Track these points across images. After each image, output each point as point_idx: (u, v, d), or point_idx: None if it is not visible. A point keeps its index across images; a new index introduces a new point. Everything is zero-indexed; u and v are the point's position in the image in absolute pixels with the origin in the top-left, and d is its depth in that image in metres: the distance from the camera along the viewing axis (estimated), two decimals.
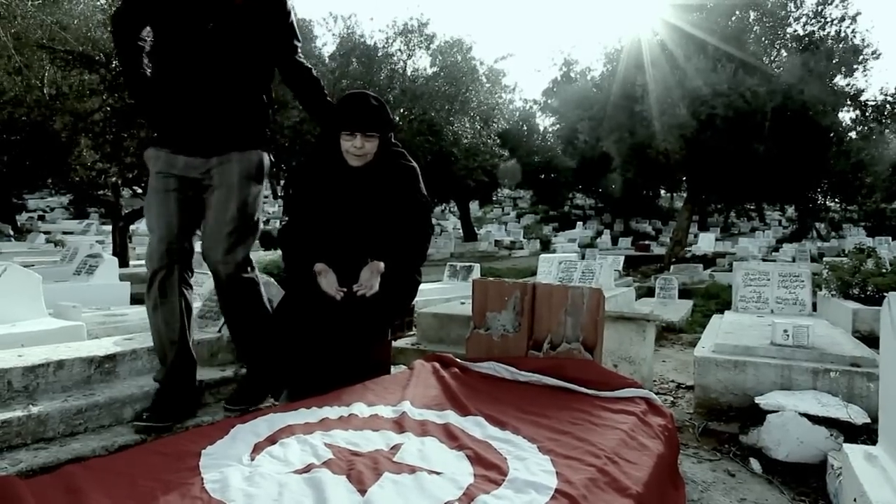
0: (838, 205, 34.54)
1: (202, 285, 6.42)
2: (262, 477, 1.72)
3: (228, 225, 2.98)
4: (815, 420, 3.13)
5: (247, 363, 3.31)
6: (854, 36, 18.94)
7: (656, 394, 3.34)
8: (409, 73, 20.96)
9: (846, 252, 13.97)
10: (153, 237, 2.94)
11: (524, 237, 31.69)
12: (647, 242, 27.35)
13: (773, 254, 21.85)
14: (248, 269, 3.13)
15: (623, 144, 19.08)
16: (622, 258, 15.32)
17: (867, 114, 20.48)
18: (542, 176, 34.23)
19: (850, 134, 20.56)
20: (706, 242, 23.89)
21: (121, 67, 3.09)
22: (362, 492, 1.65)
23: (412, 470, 1.81)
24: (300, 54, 3.22)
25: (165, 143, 2.97)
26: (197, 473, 1.73)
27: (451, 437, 2.11)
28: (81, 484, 1.61)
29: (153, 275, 2.93)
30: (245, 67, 3.00)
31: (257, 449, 1.93)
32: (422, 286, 3.27)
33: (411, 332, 5.55)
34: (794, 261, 17.59)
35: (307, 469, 1.78)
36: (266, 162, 3.13)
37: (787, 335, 3.95)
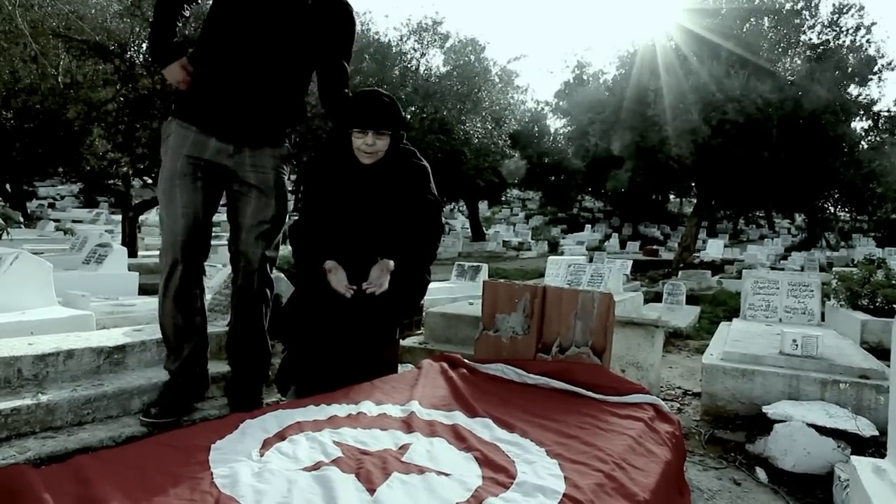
0: (848, 214, 34.40)
1: (211, 277, 6.44)
2: (272, 473, 1.72)
3: (268, 224, 3.01)
4: (823, 431, 3.12)
5: (239, 364, 3.19)
6: (869, 46, 18.89)
7: (663, 400, 3.34)
8: (422, 72, 20.95)
9: (855, 262, 13.93)
10: (176, 226, 2.82)
11: (532, 238, 31.65)
12: (655, 247, 27.26)
13: (782, 262, 21.75)
14: (272, 265, 3.14)
15: (633, 148, 19.04)
16: (630, 262, 15.30)
17: (879, 124, 20.41)
18: (552, 177, 34.19)
19: (861, 144, 20.48)
20: (715, 249, 23.79)
21: (154, 20, 2.88)
22: (371, 491, 1.65)
23: (421, 470, 1.81)
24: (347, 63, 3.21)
25: (195, 120, 2.85)
26: (206, 468, 1.74)
27: (460, 438, 2.11)
28: (91, 474, 1.62)
29: (174, 265, 2.84)
30: (299, 64, 2.99)
31: (266, 445, 1.93)
32: (430, 285, 3.27)
33: (419, 331, 5.55)
34: (802, 270, 17.53)
35: (316, 466, 1.79)
36: (288, 154, 3.15)
37: (796, 345, 3.93)
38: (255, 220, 2.98)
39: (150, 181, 16.56)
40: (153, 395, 3.02)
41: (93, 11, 11.08)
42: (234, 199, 3.01)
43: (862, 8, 18.68)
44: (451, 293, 8.09)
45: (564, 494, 1.73)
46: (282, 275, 4.09)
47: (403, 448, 1.99)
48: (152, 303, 5.25)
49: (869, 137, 20.96)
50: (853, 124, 19.73)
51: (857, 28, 18.80)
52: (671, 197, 39.16)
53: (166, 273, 2.86)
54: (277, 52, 2.86)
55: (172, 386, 2.97)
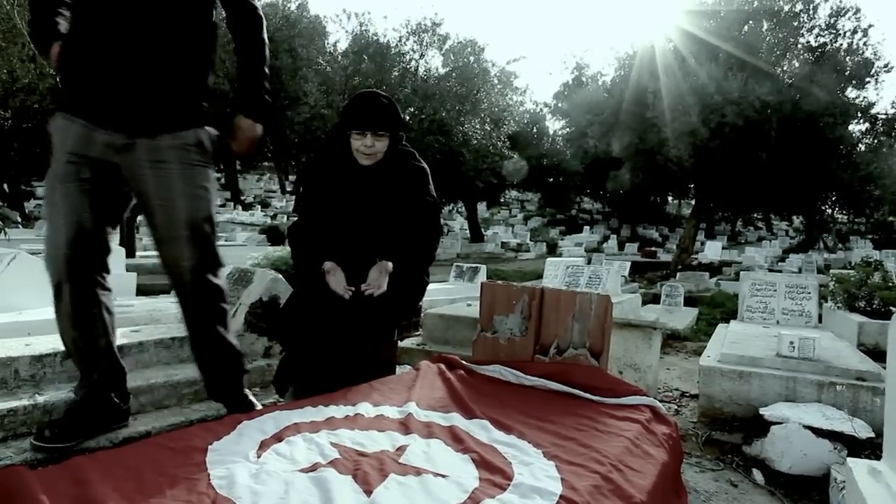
0: (846, 216, 34.47)
1: None
2: (269, 475, 1.72)
3: (184, 228, 2.55)
4: (820, 433, 3.12)
5: (205, 371, 2.85)
6: (866, 49, 18.96)
7: (660, 401, 3.34)
8: (421, 73, 21.01)
9: (853, 264, 13.94)
10: (58, 237, 2.42)
11: (531, 240, 31.67)
12: (653, 249, 27.31)
13: (780, 264, 21.79)
14: (217, 272, 2.70)
15: (632, 149, 19.07)
16: (628, 264, 15.33)
17: (877, 127, 20.45)
18: (551, 179, 34.24)
19: (859, 146, 20.53)
20: (713, 250, 23.83)
21: (31, 7, 2.51)
22: (368, 492, 1.65)
23: (418, 472, 1.81)
24: None
25: (80, 111, 2.44)
26: (203, 469, 1.74)
27: (457, 439, 2.11)
28: (89, 475, 1.62)
29: (59, 286, 2.45)
30: (180, 15, 2.46)
31: (263, 446, 1.93)
32: (428, 286, 3.27)
33: (417, 333, 5.56)
34: (800, 272, 17.56)
35: (313, 468, 1.79)
36: (206, 139, 2.64)
37: (793, 347, 3.94)
38: (169, 231, 2.56)
39: None
40: (150, 396, 3.03)
41: None
42: (140, 206, 2.60)
43: (859, 10, 18.78)
44: (449, 294, 8.09)
45: (561, 496, 1.73)
46: (280, 276, 4.10)
47: (401, 449, 1.99)
48: (150, 304, 5.25)
49: (866, 140, 21.03)
50: (851, 127, 19.79)
51: (855, 31, 18.89)
52: (669, 199, 39.23)
53: (53, 293, 2.48)
54: (143, 7, 2.40)
55: (78, 409, 2.61)
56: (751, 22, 18.17)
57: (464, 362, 3.10)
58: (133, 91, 2.42)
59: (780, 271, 17.10)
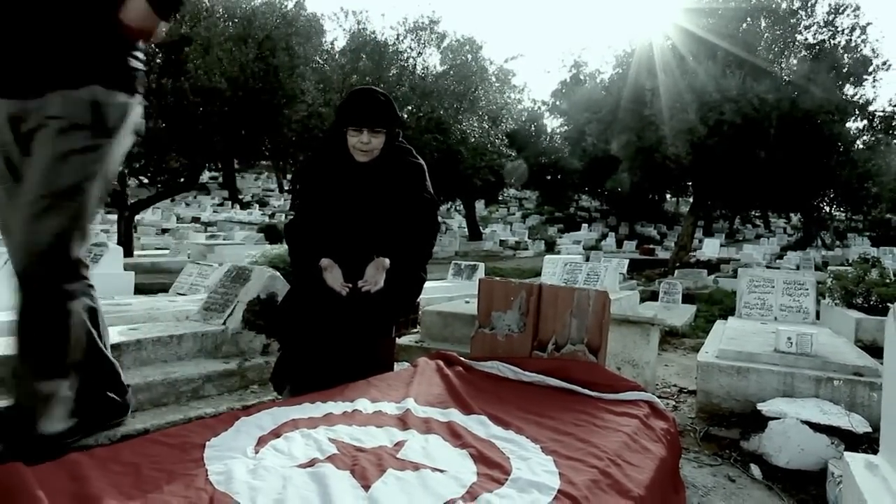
0: (844, 214, 34.52)
1: (207, 277, 6.44)
2: (267, 470, 1.72)
3: (34, 193, 2.07)
4: (817, 428, 3.13)
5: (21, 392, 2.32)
6: (864, 46, 18.96)
7: (658, 397, 3.34)
8: (418, 71, 20.99)
9: (850, 261, 13.97)
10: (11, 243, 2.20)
11: (529, 238, 31.66)
12: (651, 246, 27.29)
13: (778, 261, 21.80)
14: (66, 270, 2.18)
15: (631, 147, 19.06)
16: (627, 261, 15.32)
17: (875, 124, 20.47)
18: (549, 177, 34.25)
19: (856, 143, 20.55)
20: (711, 248, 23.85)
21: None
22: (366, 487, 1.65)
23: (416, 467, 1.81)
24: None
25: None
26: (201, 465, 1.74)
27: (455, 435, 2.11)
28: (86, 472, 1.62)
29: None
30: None
31: (261, 442, 1.93)
32: (426, 284, 3.27)
33: (415, 330, 5.56)
34: (798, 269, 17.58)
35: (311, 463, 1.79)
36: (106, 99, 2.19)
37: (791, 343, 3.95)
38: (20, 198, 2.11)
39: (145, 180, 16.61)
40: (147, 394, 3.02)
41: None
42: None
43: (857, 8, 18.78)
44: (447, 292, 8.10)
45: (559, 490, 1.73)
46: (278, 273, 4.10)
47: (399, 445, 1.99)
48: (148, 302, 5.25)
49: (864, 137, 21.05)
50: (849, 124, 19.80)
51: (853, 28, 18.88)
52: (668, 196, 39.22)
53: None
54: None
55: (72, 407, 2.37)
56: (749, 19, 18.17)
57: (462, 359, 3.11)
58: (15, 45, 2.08)
59: (778, 268, 17.11)
